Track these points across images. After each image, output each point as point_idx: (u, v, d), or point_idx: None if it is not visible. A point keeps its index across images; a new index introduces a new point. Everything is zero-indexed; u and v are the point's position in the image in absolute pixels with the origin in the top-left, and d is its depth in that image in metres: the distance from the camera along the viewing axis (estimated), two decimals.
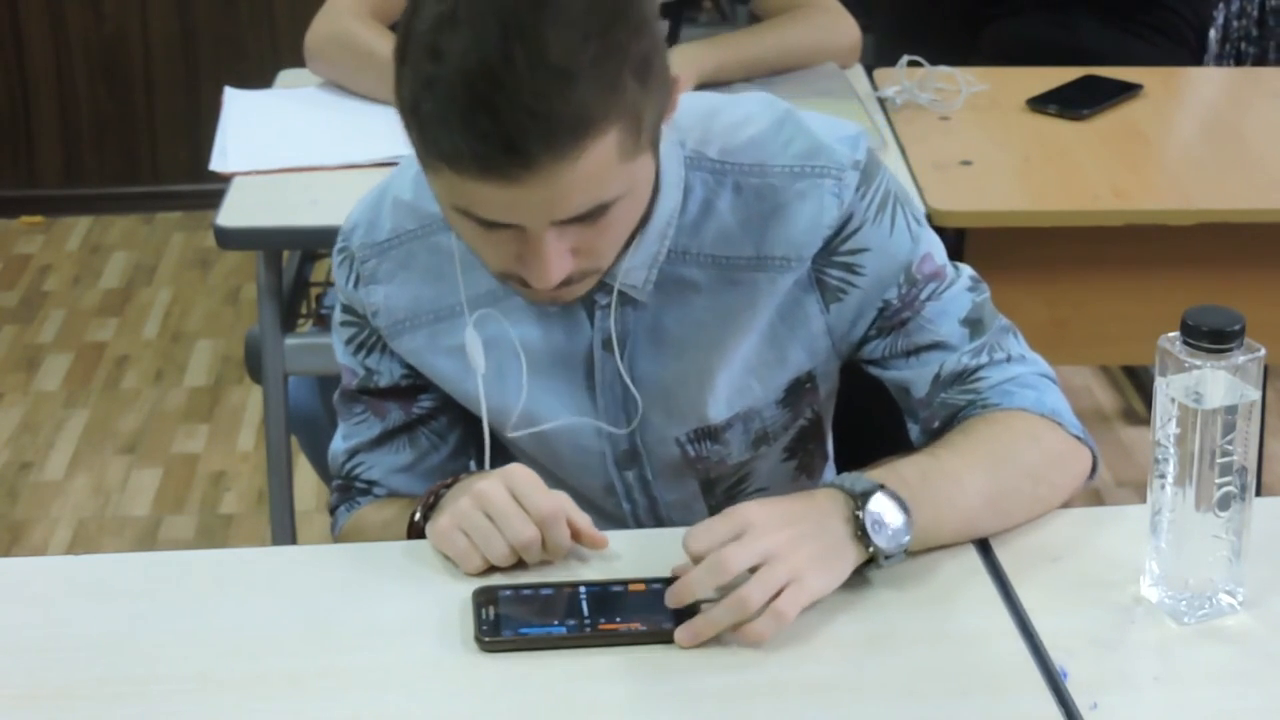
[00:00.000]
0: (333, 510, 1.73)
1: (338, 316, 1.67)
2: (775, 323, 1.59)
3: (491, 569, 1.46)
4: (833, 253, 1.56)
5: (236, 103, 2.63)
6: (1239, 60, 3.29)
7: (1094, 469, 1.59)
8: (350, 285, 1.63)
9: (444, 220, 1.58)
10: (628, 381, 1.59)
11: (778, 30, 2.65)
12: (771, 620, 1.36)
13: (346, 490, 1.71)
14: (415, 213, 1.60)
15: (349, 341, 1.66)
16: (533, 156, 1.32)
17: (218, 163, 2.44)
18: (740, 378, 1.61)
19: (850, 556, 1.41)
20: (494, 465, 1.67)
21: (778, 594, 1.36)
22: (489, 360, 1.59)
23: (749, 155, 1.56)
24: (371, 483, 1.69)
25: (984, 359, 1.59)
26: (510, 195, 1.35)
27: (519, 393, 1.60)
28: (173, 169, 4.64)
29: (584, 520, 1.47)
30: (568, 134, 1.32)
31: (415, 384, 1.66)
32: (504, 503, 1.44)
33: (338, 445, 1.70)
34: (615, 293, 1.56)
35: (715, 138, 1.56)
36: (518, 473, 1.46)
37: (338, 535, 1.71)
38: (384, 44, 2.55)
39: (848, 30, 2.70)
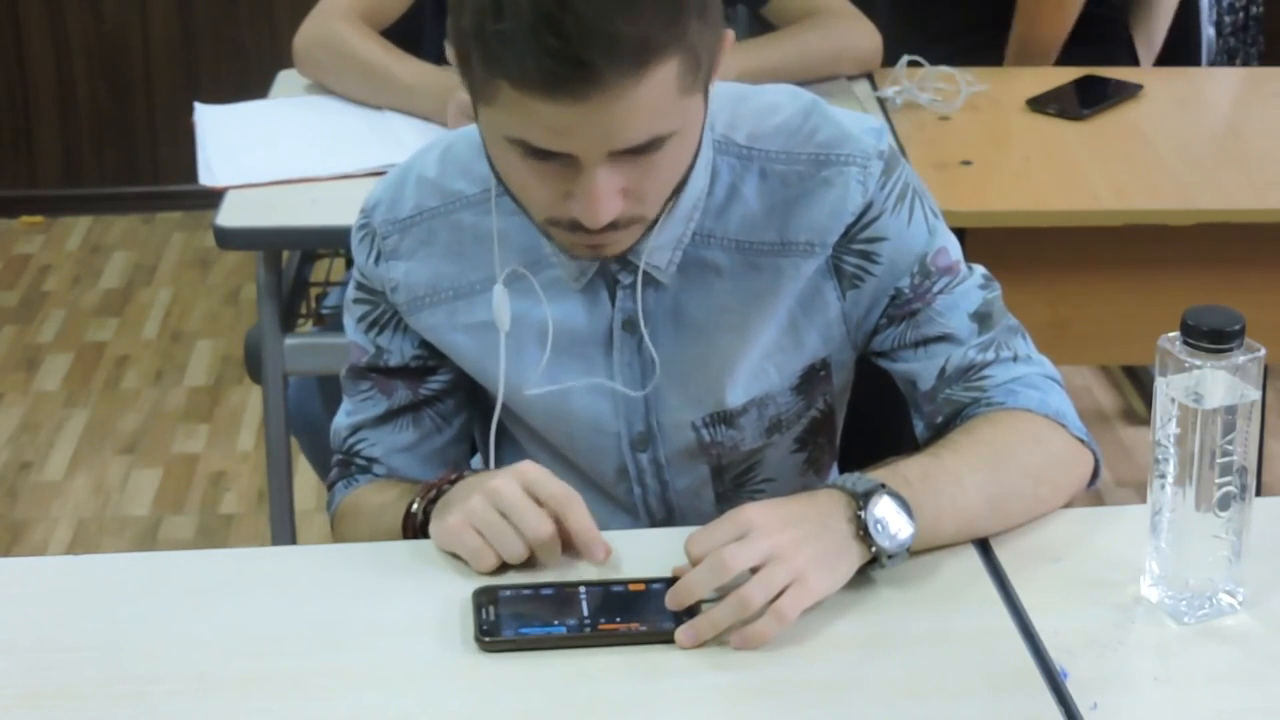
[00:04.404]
0: (331, 486, 1.73)
1: (351, 294, 1.67)
2: (794, 309, 1.60)
3: (503, 567, 1.45)
4: (851, 240, 1.58)
5: (208, 118, 2.61)
6: (1230, 57, 3.28)
7: (1096, 473, 1.59)
8: (370, 261, 1.63)
9: (468, 198, 1.59)
10: (652, 352, 1.58)
11: (797, 37, 2.63)
12: (772, 621, 1.36)
13: (346, 466, 1.71)
14: (439, 190, 1.61)
15: (361, 319, 1.66)
16: (599, 72, 1.34)
17: (205, 177, 2.43)
18: (758, 363, 1.62)
19: (852, 557, 1.41)
20: (505, 458, 1.68)
21: (779, 595, 1.36)
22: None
23: (776, 142, 1.57)
24: (372, 460, 1.69)
25: (990, 355, 1.59)
26: (571, 116, 1.36)
27: (536, 369, 1.60)
28: (173, 169, 4.63)
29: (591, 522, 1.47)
30: (632, 55, 1.34)
31: (425, 365, 1.66)
32: (518, 498, 1.44)
33: (340, 420, 1.71)
34: (640, 271, 1.56)
35: (743, 123, 1.58)
36: (529, 468, 1.46)
37: (334, 511, 1.71)
38: (370, 48, 2.55)
39: (868, 35, 2.67)
